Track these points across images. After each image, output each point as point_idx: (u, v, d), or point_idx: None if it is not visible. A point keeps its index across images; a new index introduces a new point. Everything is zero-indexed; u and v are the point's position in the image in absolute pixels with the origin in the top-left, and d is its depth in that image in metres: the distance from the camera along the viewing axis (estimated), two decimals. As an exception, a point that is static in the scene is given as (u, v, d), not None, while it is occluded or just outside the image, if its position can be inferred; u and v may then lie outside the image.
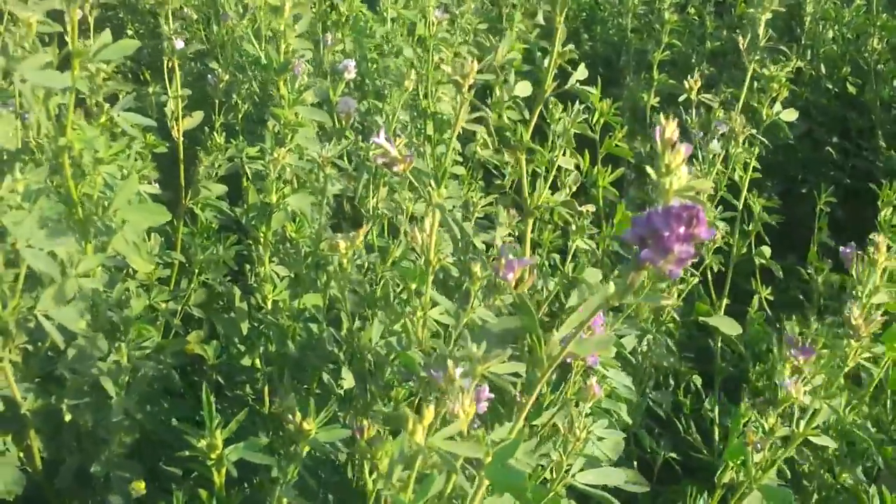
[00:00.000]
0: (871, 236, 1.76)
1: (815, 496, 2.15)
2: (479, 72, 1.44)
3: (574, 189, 1.82)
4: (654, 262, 0.83)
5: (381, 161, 1.38)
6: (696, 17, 4.13)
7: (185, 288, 2.46)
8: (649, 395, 2.34)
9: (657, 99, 3.47)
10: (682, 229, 0.81)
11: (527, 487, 1.00)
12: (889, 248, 2.27)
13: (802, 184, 3.68)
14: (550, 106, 1.99)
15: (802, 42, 3.79)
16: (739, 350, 2.47)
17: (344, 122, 2.69)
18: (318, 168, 1.88)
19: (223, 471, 1.30)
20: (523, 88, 1.55)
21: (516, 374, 1.65)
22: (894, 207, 2.39)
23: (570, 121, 1.65)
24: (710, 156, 2.42)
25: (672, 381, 2.52)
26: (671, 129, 0.84)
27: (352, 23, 3.55)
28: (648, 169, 0.87)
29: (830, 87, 3.82)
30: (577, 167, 1.79)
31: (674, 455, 2.38)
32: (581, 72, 1.57)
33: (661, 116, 0.87)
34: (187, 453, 1.28)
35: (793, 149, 3.69)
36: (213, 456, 1.28)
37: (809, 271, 2.76)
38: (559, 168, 1.72)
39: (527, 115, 2.90)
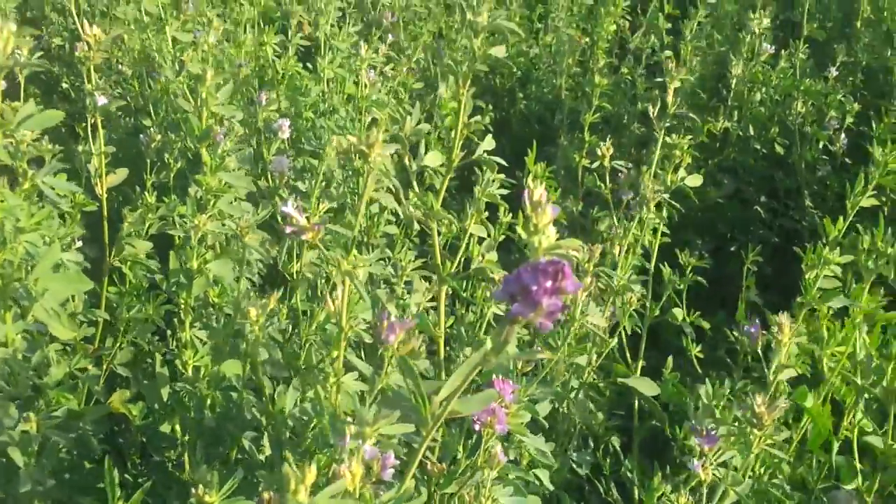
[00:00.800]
0: (775, 317, 1.80)
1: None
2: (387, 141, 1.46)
3: (486, 256, 1.84)
4: (525, 316, 0.85)
5: (290, 230, 1.39)
6: (629, 78, 4.21)
7: (110, 347, 2.44)
8: (571, 455, 2.35)
9: (588, 161, 3.53)
10: (549, 283, 0.84)
11: None
12: (810, 314, 2.33)
13: (732, 242, 3.75)
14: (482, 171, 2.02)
15: (730, 103, 3.88)
16: (658, 411, 2.50)
17: (278, 181, 2.70)
18: (234, 237, 1.88)
19: (125, 547, 1.29)
20: (433, 159, 1.57)
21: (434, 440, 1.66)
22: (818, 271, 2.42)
23: (480, 190, 1.67)
24: (632, 212, 2.48)
25: (592, 443, 2.53)
26: (539, 191, 0.88)
27: (287, 81, 3.57)
28: (519, 229, 0.91)
29: (758, 147, 3.91)
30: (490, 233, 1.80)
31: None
32: (488, 142, 1.60)
33: (530, 181, 0.91)
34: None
35: (722, 208, 3.77)
36: (115, 532, 1.26)
37: (735, 333, 2.80)
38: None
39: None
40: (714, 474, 1.64)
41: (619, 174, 2.93)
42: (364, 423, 1.12)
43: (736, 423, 1.69)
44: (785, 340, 1.76)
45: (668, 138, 2.34)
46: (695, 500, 1.65)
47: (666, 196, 2.37)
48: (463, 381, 0.99)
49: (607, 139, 3.18)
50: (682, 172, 2.39)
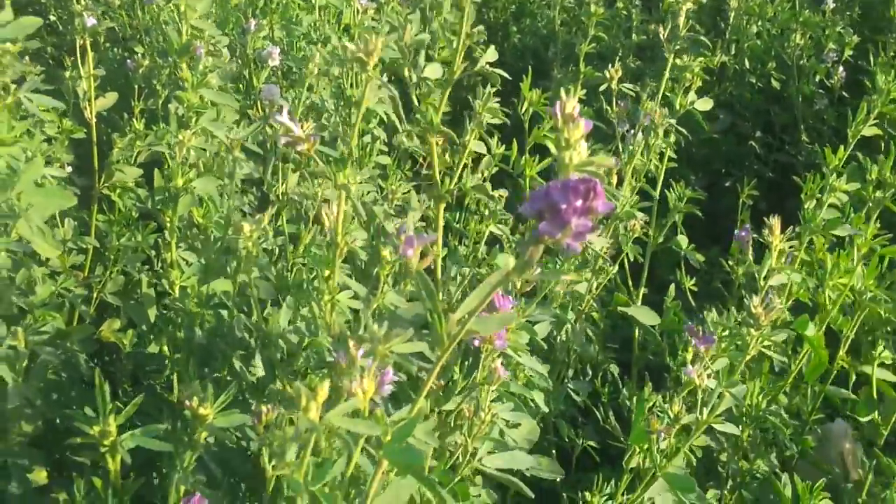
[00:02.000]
0: (765, 218, 1.78)
1: (730, 482, 2.17)
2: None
3: (487, 174, 1.80)
4: (552, 236, 0.81)
5: (285, 141, 1.35)
6: (624, 11, 4.15)
7: (100, 275, 2.41)
8: (568, 384, 2.33)
9: (584, 91, 3.48)
10: (579, 202, 0.79)
11: (425, 467, 0.98)
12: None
13: (727, 177, 3.71)
14: (478, 89, 1.97)
15: (727, 37, 3.83)
16: (657, 340, 2.48)
17: (268, 110, 2.65)
18: (225, 151, 1.83)
19: (118, 458, 1.26)
20: (433, 70, 1.53)
21: (426, 359, 1.64)
22: (817, 201, 2.40)
23: (480, 104, 1.63)
24: (630, 146, 2.44)
25: (591, 371, 2.52)
26: (571, 104, 0.83)
27: (281, 11, 3.50)
28: (549, 143, 0.87)
29: (755, 81, 3.87)
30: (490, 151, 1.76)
31: (592, 444, 2.39)
32: (490, 54, 1.55)
33: (563, 92, 0.86)
34: (79, 440, 1.24)
35: (717, 143, 3.73)
36: (106, 443, 1.23)
37: (730, 263, 2.78)
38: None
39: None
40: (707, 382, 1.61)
41: (620, 103, 2.89)
42: (376, 340, 1.08)
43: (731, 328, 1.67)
44: (776, 243, 1.73)
45: (678, 60, 2.28)
46: (688, 409, 1.62)
47: (673, 121, 2.32)
48: (482, 300, 0.95)
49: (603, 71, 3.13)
50: (692, 96, 2.34)
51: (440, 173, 1.67)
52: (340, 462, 1.08)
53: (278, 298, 1.88)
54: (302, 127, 2.19)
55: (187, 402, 1.25)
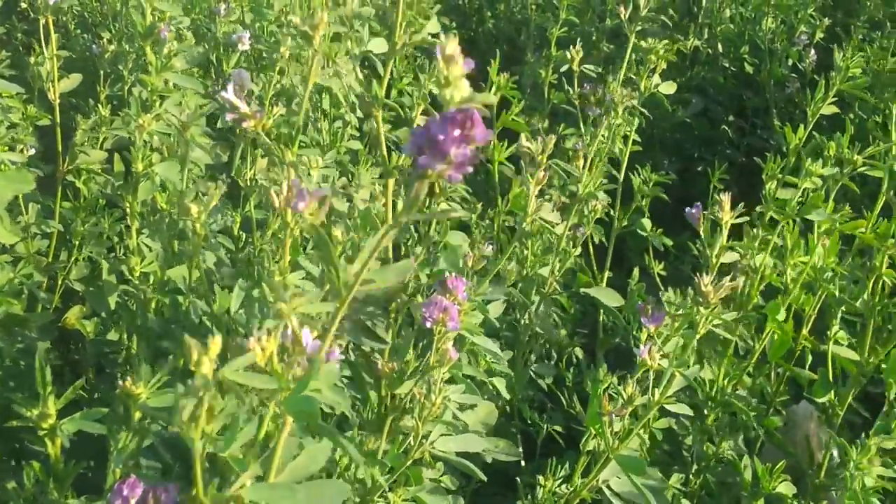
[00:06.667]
0: (715, 195, 1.77)
1: (695, 466, 2.17)
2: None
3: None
4: (433, 168, 0.81)
5: (231, 118, 1.33)
6: (599, -5, 4.14)
7: (64, 261, 2.39)
8: (531, 367, 2.33)
9: (555, 75, 3.47)
10: (456, 132, 0.80)
11: (319, 415, 0.95)
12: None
13: (699, 162, 3.71)
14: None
15: (700, 21, 3.82)
16: (621, 322, 2.47)
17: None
18: (177, 133, 1.81)
19: (58, 442, 1.25)
20: (378, 44, 1.51)
21: (381, 340, 1.62)
22: (778, 181, 2.40)
23: (427, 77, 1.61)
24: (590, 128, 2.43)
25: (556, 354, 2.52)
26: (452, 45, 0.84)
27: (250, -5, 3.48)
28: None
29: (727, 65, 3.87)
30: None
31: (558, 428, 2.38)
32: (433, 25, 1.53)
33: (443, 36, 0.86)
34: (15, 423, 1.22)
35: (689, 127, 3.72)
36: (45, 426, 1.22)
37: (699, 246, 2.78)
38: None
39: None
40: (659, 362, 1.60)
41: (586, 85, 2.88)
42: (283, 300, 1.06)
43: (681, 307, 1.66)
44: (726, 219, 1.73)
45: (643, 42, 2.27)
46: (642, 390, 1.61)
47: (635, 102, 2.31)
48: (375, 247, 0.94)
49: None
50: (656, 78, 2.33)
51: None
52: (251, 426, 1.06)
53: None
54: (268, 113, 2.17)
55: (120, 382, 1.24)
